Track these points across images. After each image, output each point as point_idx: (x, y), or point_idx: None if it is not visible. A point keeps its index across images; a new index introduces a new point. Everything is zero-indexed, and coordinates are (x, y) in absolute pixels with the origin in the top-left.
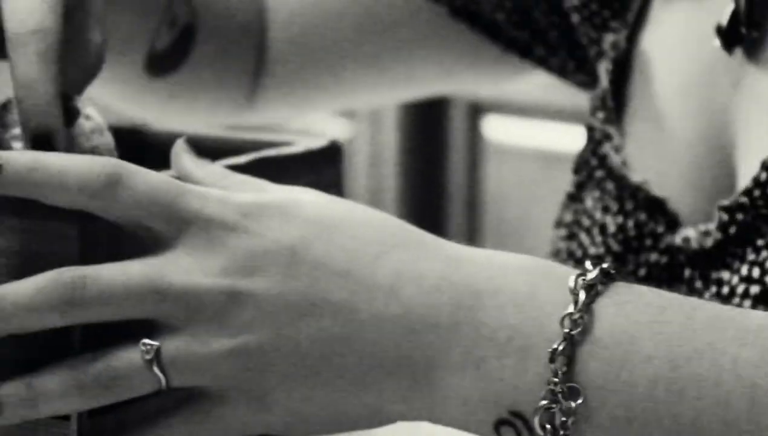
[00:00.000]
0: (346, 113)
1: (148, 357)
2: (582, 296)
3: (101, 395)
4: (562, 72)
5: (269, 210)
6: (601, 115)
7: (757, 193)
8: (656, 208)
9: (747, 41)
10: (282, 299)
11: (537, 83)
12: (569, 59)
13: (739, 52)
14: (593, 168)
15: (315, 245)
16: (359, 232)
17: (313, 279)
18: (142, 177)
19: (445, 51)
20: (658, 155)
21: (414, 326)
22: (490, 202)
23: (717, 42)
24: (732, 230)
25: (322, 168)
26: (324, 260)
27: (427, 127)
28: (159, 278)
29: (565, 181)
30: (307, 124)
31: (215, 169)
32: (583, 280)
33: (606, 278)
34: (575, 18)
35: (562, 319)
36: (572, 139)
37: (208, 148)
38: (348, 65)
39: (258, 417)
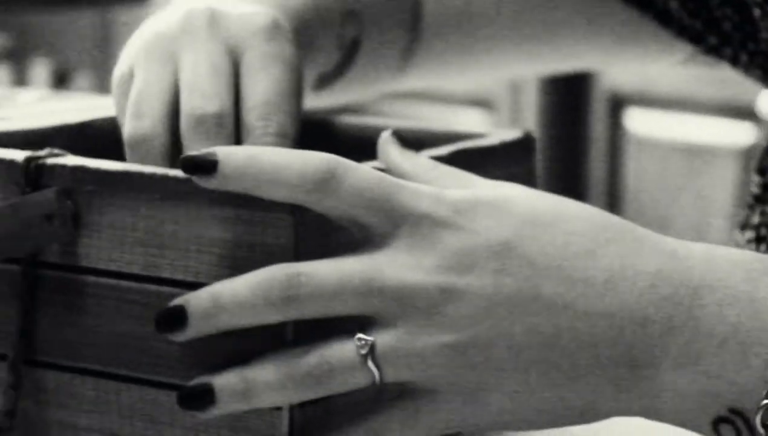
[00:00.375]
0: (486, 104)
1: (363, 352)
2: None
3: (314, 389)
4: (734, 63)
5: (482, 207)
6: None
7: None
8: None
9: None
10: (496, 295)
11: (680, 76)
12: (743, 51)
13: None
14: None
15: (528, 241)
16: (572, 227)
17: (526, 275)
18: (357, 173)
19: (606, 30)
20: None
21: (630, 322)
22: (631, 195)
23: None
24: None
25: (516, 160)
26: (537, 255)
27: (569, 120)
28: (374, 275)
29: (707, 174)
30: (447, 115)
31: (423, 161)
32: None
33: None
34: (757, 12)
35: None
36: (714, 132)
37: (405, 140)
38: (503, 37)
39: (469, 413)
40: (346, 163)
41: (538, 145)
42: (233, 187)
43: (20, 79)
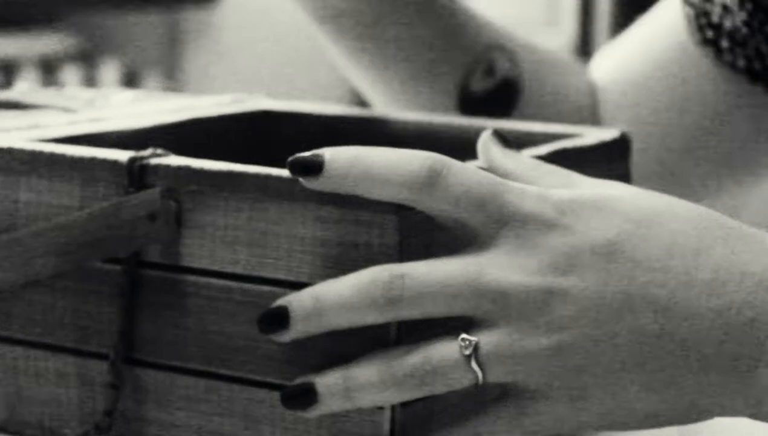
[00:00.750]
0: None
1: (466, 352)
2: None
3: (417, 389)
4: None
5: (586, 207)
6: None
7: None
8: None
9: None
10: (600, 296)
11: None
12: None
13: None
14: None
15: (633, 242)
16: (678, 226)
17: (631, 276)
18: (462, 172)
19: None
20: None
21: (736, 322)
22: None
23: None
24: None
25: (612, 159)
26: (642, 256)
27: None
28: (477, 276)
29: None
30: None
31: (525, 160)
32: None
33: None
34: None
35: None
36: None
37: (505, 140)
38: (693, 164)
39: (572, 414)
40: (450, 162)
41: None
42: (338, 188)
43: (90, 80)
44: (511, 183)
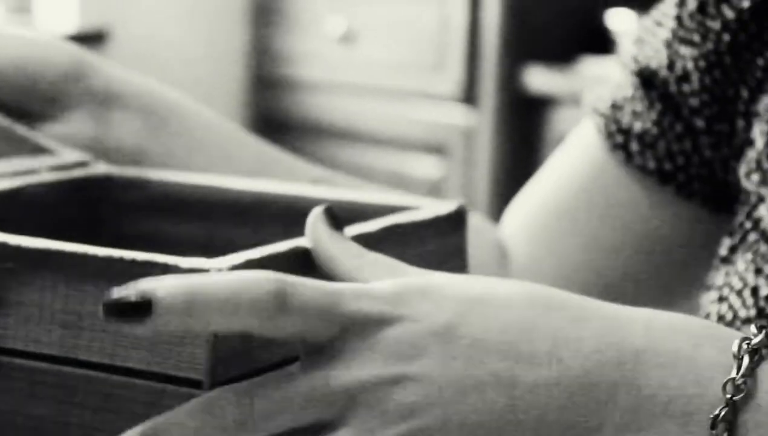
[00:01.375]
0: (440, 150)
1: None
2: (746, 360)
3: None
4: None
5: (416, 293)
6: (756, 177)
7: None
8: None
9: None
10: (444, 378)
11: None
12: None
13: None
14: (747, 231)
15: (469, 321)
16: (509, 302)
17: (470, 354)
18: (303, 290)
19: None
20: None
21: (576, 387)
22: None
23: None
24: None
25: (447, 233)
26: (480, 333)
27: (522, 165)
28: (324, 384)
29: None
30: (401, 160)
31: (349, 247)
32: (748, 344)
33: None
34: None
35: (725, 384)
36: None
37: (336, 218)
38: (633, 284)
39: None
40: (291, 281)
41: (493, 189)
42: (175, 326)
43: None
44: (347, 290)
